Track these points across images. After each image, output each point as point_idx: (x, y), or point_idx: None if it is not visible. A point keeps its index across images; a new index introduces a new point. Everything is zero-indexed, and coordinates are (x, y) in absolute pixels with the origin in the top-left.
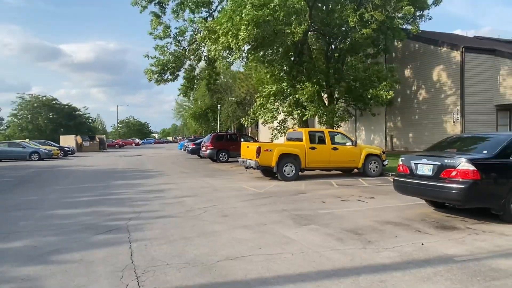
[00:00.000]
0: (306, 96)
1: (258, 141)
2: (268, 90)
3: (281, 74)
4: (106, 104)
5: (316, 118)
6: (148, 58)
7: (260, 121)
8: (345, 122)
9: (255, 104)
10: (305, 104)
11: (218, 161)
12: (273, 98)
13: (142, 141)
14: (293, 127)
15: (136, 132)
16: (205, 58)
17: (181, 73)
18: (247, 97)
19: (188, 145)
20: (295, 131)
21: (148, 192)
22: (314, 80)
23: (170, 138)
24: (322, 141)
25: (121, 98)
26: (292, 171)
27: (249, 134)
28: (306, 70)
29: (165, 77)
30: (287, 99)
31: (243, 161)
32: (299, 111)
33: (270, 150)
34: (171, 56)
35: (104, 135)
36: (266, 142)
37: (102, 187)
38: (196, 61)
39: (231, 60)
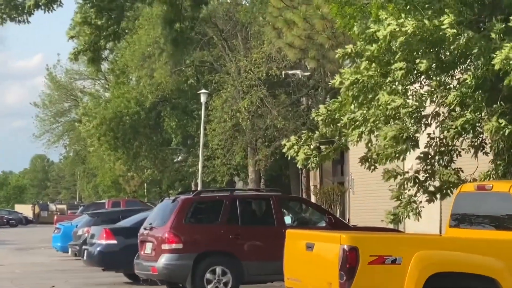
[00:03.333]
0: None
1: (346, 223)
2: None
3: None
4: None
5: None
6: None
7: (352, 144)
8: None
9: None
10: None
11: None
12: (401, 70)
13: None
14: (484, 179)
15: None
16: None
17: None
18: (303, 62)
19: (92, 236)
20: (484, 190)
21: None
22: None
23: (24, 210)
24: None
25: None
26: None
27: (313, 193)
28: None
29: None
30: (450, 75)
31: None
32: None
33: (394, 261)
34: None
35: None
36: (377, 230)
37: None
38: None
39: None
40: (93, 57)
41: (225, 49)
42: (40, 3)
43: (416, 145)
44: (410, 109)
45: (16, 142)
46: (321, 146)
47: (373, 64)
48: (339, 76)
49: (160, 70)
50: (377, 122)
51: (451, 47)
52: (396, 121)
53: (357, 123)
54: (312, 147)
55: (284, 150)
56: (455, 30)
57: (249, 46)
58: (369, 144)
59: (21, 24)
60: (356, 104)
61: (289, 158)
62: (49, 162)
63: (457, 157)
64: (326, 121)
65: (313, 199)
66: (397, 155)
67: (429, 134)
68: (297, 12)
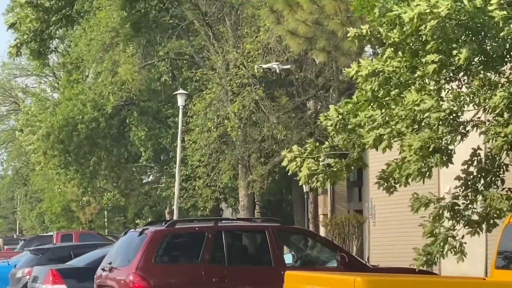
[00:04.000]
0: None
1: (363, 263)
2: None
3: None
4: None
5: None
6: None
7: (368, 147)
8: None
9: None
10: None
11: None
12: (434, 64)
13: None
14: None
15: None
16: None
17: None
18: (309, 54)
19: (35, 279)
20: None
21: None
22: None
23: None
24: None
25: None
26: None
27: (322, 224)
28: None
29: None
30: None
31: None
32: None
33: None
34: None
35: None
36: (404, 272)
37: None
38: None
39: None
40: (39, 49)
41: (209, 38)
42: None
43: (448, 159)
44: (443, 113)
45: None
46: (330, 160)
47: (399, 53)
48: (355, 65)
49: (125, 64)
50: (401, 125)
51: (500, 35)
52: (425, 129)
53: (376, 123)
54: (320, 160)
55: (284, 163)
56: (505, 12)
57: (240, 34)
58: (387, 149)
59: None
60: (375, 105)
61: (289, 173)
62: None
63: (503, 173)
64: (337, 127)
65: (322, 231)
66: (422, 172)
67: (474, 149)
68: None
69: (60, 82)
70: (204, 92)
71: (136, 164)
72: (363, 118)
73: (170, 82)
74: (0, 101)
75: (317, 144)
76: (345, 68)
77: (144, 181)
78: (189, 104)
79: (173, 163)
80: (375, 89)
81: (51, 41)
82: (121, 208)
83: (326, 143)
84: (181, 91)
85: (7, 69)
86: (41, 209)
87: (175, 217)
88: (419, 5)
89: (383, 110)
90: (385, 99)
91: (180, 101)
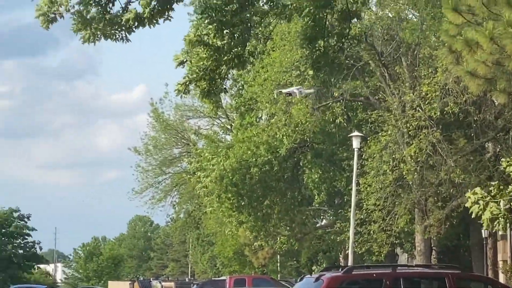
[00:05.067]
0: None
1: None
2: None
3: None
4: None
5: None
6: None
7: None
8: None
9: None
10: None
11: None
12: None
13: None
14: None
15: None
16: None
17: None
18: (489, 95)
19: None
20: None
21: None
22: None
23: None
24: None
25: None
26: None
27: (502, 271)
28: None
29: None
30: None
31: None
32: None
33: None
34: None
35: None
36: None
37: None
38: None
39: None
40: (209, 89)
41: (385, 79)
42: (144, 16)
43: None
44: None
45: (110, 199)
46: None
47: None
48: None
49: (299, 105)
50: None
51: None
52: None
53: None
54: (502, 204)
55: (467, 205)
56: None
57: (417, 75)
58: None
59: (119, 42)
60: None
61: (471, 217)
62: (152, 225)
63: None
64: None
65: (501, 278)
66: None
67: None
68: (482, 30)
69: (233, 124)
70: (380, 134)
71: (310, 208)
72: None
73: (345, 124)
74: (173, 143)
75: (501, 187)
76: None
77: (317, 225)
78: (364, 146)
79: (347, 206)
80: None
81: (222, 82)
82: (294, 253)
83: (510, 187)
84: (356, 133)
85: (180, 111)
86: (213, 253)
87: (349, 263)
88: None
89: None
90: None
91: (355, 144)
